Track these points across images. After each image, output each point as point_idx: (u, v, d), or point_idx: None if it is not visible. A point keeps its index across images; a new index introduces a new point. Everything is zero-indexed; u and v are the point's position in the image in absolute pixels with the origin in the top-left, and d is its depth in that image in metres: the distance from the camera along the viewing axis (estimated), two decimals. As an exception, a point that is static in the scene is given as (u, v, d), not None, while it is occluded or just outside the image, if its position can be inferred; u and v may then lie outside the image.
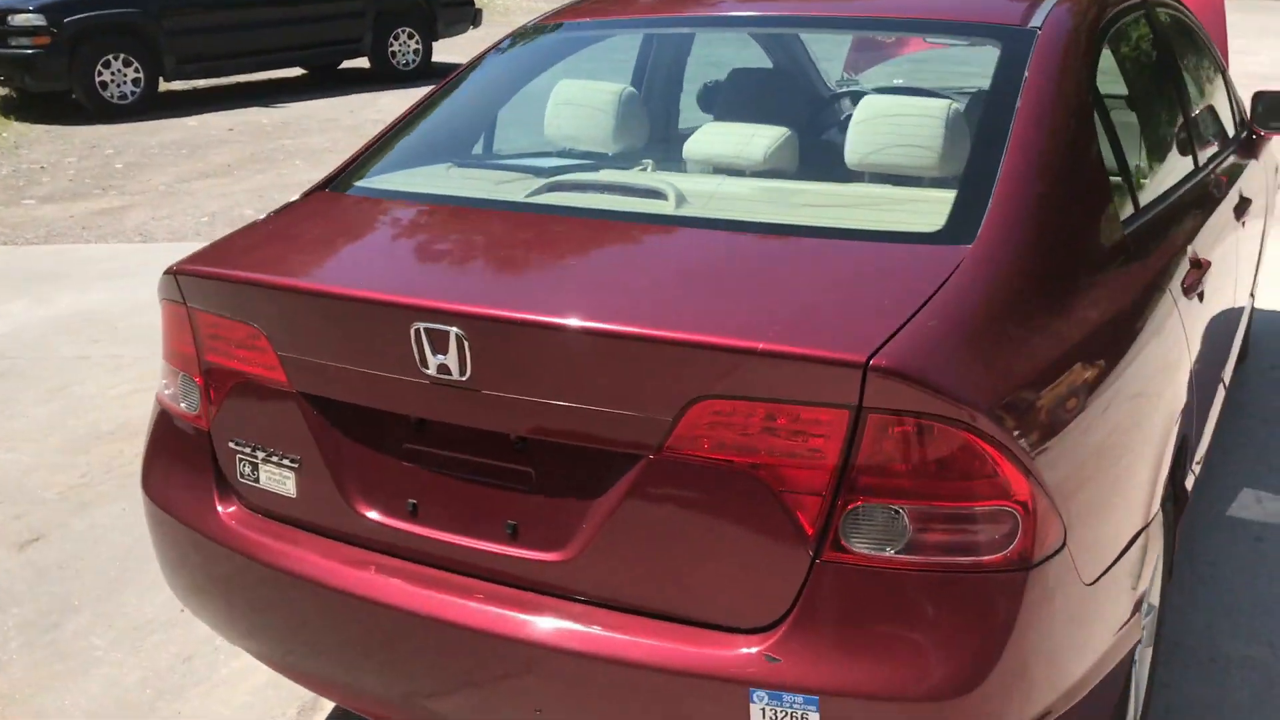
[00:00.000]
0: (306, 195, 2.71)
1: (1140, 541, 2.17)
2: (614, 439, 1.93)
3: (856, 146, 2.52)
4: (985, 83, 2.48)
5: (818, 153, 2.95)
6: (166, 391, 2.50)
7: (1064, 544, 1.87)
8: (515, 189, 2.60)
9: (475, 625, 2.03)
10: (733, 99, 3.40)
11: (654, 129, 2.97)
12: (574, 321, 1.91)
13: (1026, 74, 2.41)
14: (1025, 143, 2.25)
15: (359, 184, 2.71)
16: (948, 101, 2.54)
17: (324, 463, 2.20)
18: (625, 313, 1.93)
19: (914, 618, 1.82)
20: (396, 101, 11.99)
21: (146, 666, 3.17)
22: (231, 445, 2.34)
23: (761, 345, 1.80)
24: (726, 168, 2.68)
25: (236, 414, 2.32)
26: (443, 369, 2.00)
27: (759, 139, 2.67)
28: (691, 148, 2.73)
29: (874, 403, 1.76)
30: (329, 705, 3.00)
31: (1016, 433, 1.80)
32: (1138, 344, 2.23)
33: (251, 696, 3.04)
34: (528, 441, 2.05)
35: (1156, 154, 3.00)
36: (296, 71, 14.10)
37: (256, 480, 2.31)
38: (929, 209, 2.22)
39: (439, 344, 1.99)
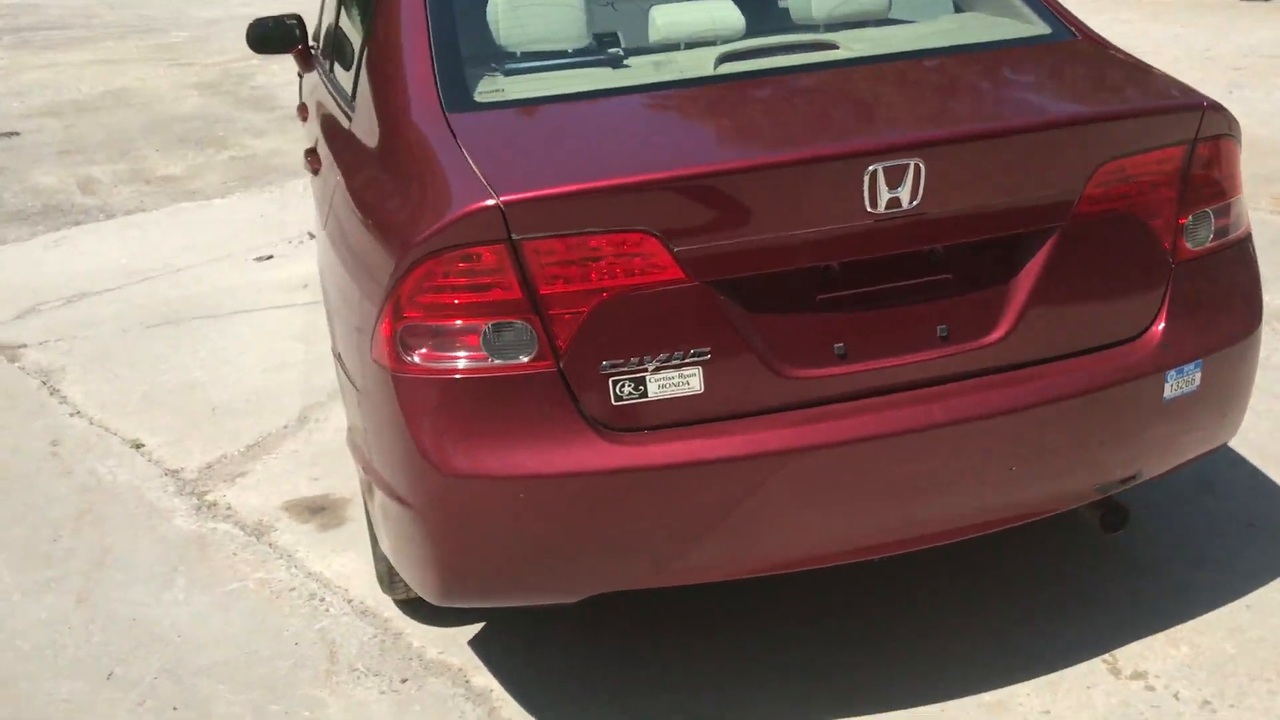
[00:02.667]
0: (451, 116, 2.40)
1: None
2: (1031, 221, 2.32)
3: None
4: None
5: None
6: (435, 359, 2.18)
7: None
8: (663, 71, 2.63)
9: (942, 421, 2.29)
10: None
11: (620, 14, 3.04)
12: (1016, 124, 2.26)
13: None
14: None
15: (502, 98, 2.49)
16: None
17: (740, 343, 2.21)
18: (1037, 111, 2.32)
19: (1230, 281, 2.54)
20: None
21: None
22: (603, 371, 2.19)
23: (1151, 106, 2.34)
24: (711, 38, 2.90)
25: (606, 335, 2.17)
26: (892, 203, 2.19)
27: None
28: (688, 24, 2.88)
29: (1203, 133, 2.41)
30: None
31: None
32: None
33: None
34: (941, 251, 2.32)
35: None
36: None
37: (644, 395, 2.21)
38: (1017, 23, 2.83)
39: (894, 179, 2.18)
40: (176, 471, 3.82)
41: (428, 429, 2.21)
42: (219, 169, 7.50)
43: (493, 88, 2.53)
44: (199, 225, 6.37)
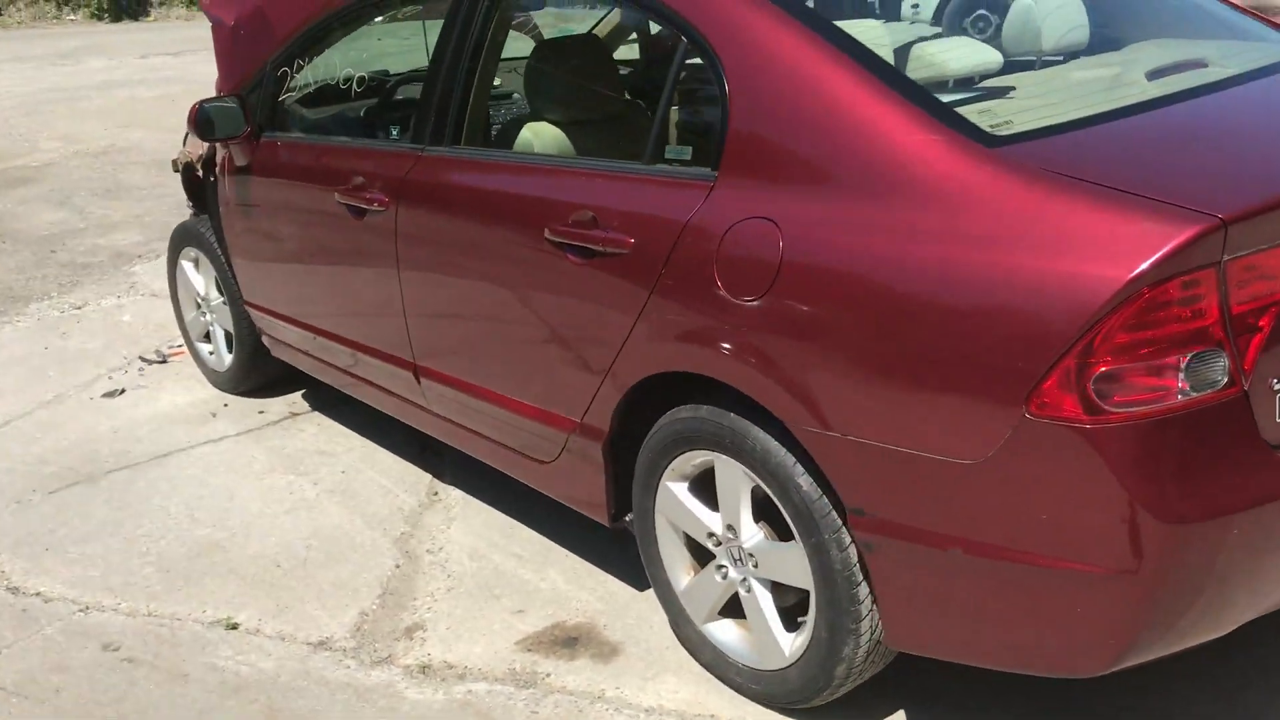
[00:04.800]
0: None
1: None
2: None
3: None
4: None
5: None
6: (1135, 402, 2.02)
7: None
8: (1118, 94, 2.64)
9: None
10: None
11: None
12: None
13: None
14: None
15: (1015, 129, 2.31)
16: None
17: None
18: None
19: None
20: None
21: None
22: (1274, 388, 2.14)
23: None
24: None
25: (1276, 350, 2.13)
26: None
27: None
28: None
29: None
30: None
31: None
32: None
33: None
34: None
35: None
36: None
37: (1301, 407, 2.18)
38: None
39: None
40: (324, 643, 3.11)
41: (1139, 479, 2.03)
42: (-96, 305, 6.12)
43: (991, 120, 2.36)
44: (-30, 370, 5.17)
